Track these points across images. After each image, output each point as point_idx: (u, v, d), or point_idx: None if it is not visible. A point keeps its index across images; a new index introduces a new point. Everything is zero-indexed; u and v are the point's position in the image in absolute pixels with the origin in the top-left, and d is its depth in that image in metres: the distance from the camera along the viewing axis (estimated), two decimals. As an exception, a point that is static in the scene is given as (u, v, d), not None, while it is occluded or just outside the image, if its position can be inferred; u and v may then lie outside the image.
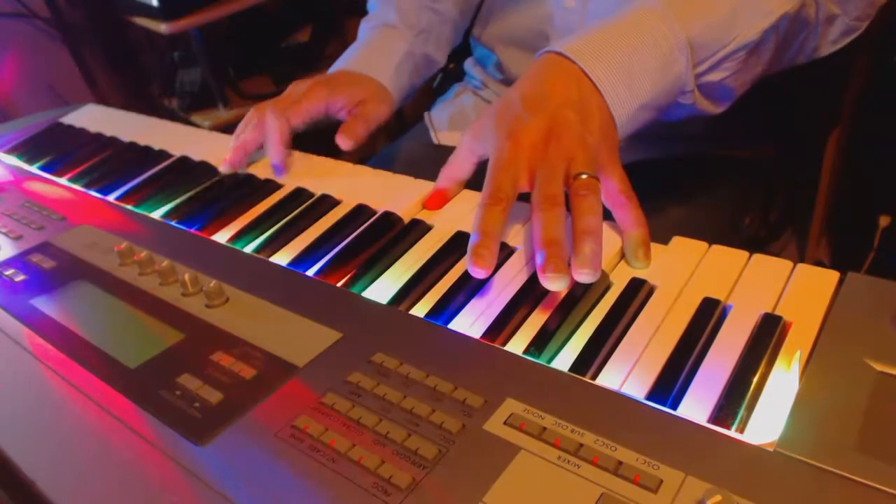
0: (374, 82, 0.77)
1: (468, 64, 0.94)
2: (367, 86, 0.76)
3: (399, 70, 0.79)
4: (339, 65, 0.80)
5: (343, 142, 0.69)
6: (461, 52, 0.95)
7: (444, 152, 0.58)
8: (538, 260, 0.43)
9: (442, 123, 0.90)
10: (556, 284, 0.42)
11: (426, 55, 0.84)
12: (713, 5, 0.51)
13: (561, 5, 0.74)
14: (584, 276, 0.42)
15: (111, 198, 0.67)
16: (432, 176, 0.58)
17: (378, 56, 0.79)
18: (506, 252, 0.49)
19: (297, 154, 0.70)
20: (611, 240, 0.48)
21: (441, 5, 0.85)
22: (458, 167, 0.56)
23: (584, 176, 0.46)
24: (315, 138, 0.76)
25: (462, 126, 0.88)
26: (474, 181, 0.56)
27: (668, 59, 0.51)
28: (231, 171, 0.68)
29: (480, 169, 0.53)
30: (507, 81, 0.86)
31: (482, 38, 0.89)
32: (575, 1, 0.73)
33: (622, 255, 0.47)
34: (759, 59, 0.55)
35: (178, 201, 0.65)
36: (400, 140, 0.95)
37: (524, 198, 0.49)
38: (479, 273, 0.44)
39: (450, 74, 0.99)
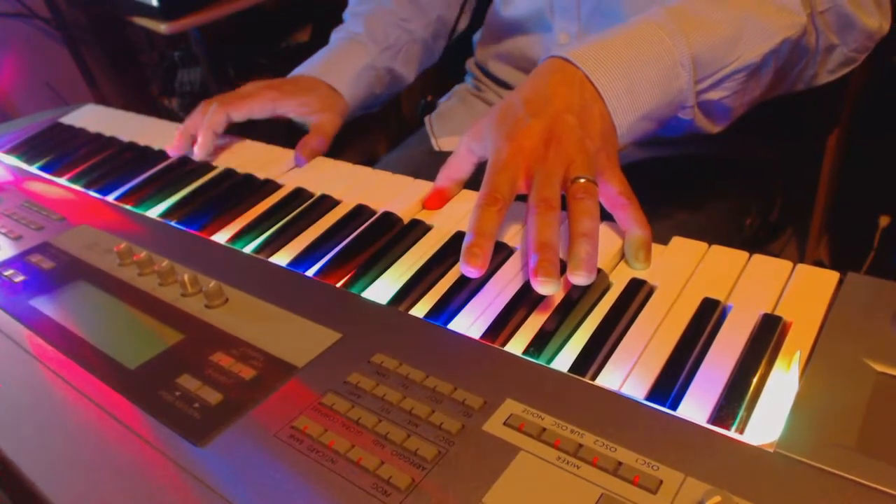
0: (330, 90, 0.78)
1: (469, 64, 0.95)
2: (320, 93, 0.77)
3: (358, 79, 0.81)
4: (301, 69, 0.82)
5: (302, 156, 0.70)
6: (462, 51, 0.95)
7: (445, 159, 0.58)
8: (530, 263, 0.43)
9: (443, 129, 0.90)
10: (546, 288, 0.42)
11: (391, 69, 0.85)
12: (718, 24, 0.52)
13: (554, 41, 0.75)
14: (579, 279, 0.42)
15: (111, 198, 0.67)
16: (433, 181, 0.58)
17: (339, 64, 0.81)
18: (505, 252, 0.49)
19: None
20: (611, 240, 0.48)
21: (411, 24, 0.86)
22: (457, 167, 0.56)
23: (581, 180, 0.46)
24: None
25: (462, 131, 0.89)
26: (474, 181, 0.55)
27: (670, 73, 0.51)
28: (177, 154, 0.72)
29: (480, 169, 0.53)
30: (506, 83, 0.86)
31: (477, 55, 0.90)
32: (568, 38, 0.74)
33: (622, 256, 0.47)
34: (759, 82, 0.56)
35: (177, 201, 0.65)
36: (401, 147, 0.95)
37: (524, 198, 0.49)
38: (471, 272, 0.44)
39: (451, 75, 1.00)
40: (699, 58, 0.51)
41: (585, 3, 0.71)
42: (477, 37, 0.91)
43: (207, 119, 0.71)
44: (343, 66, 0.80)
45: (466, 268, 0.44)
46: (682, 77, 0.52)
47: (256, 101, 0.73)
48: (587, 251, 0.43)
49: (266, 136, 0.77)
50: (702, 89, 0.53)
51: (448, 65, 0.97)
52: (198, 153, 0.71)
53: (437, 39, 0.91)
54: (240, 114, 0.72)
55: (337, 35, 0.86)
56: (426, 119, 0.94)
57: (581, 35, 0.73)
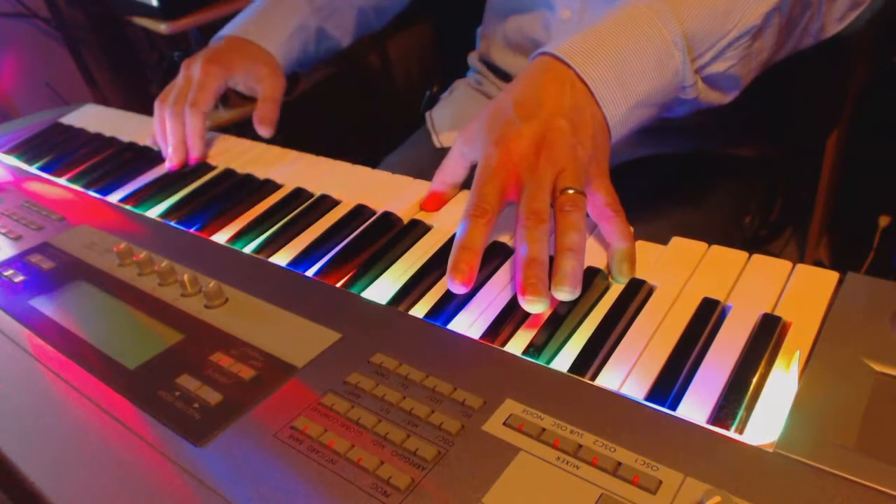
0: (263, 52, 0.79)
1: (472, 58, 0.94)
2: (258, 58, 0.78)
3: (290, 40, 0.81)
4: (229, 29, 0.81)
5: (264, 131, 0.72)
6: (465, 46, 0.95)
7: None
8: (517, 279, 0.42)
9: (443, 124, 0.90)
10: (535, 307, 0.41)
11: (322, 30, 0.85)
12: None
13: (557, 17, 0.74)
14: (563, 294, 0.42)
15: (111, 198, 0.67)
16: None
17: (270, 24, 0.81)
18: (504, 253, 0.49)
19: (296, 154, 0.70)
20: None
21: None
22: (450, 172, 0.56)
23: (570, 191, 0.45)
24: (316, 138, 0.76)
25: (463, 125, 0.89)
26: (471, 182, 0.55)
27: (663, 55, 0.50)
28: (180, 167, 0.72)
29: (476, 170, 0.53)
30: (509, 74, 0.86)
31: (481, 46, 0.90)
32: (571, 12, 0.73)
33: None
34: (764, 43, 0.53)
35: (177, 201, 0.65)
36: (404, 146, 0.95)
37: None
38: (458, 288, 0.43)
39: (453, 70, 1.00)
40: (693, 33, 0.50)
41: None
42: (481, 29, 0.91)
43: (190, 128, 0.71)
44: (274, 26, 0.81)
45: (452, 283, 0.43)
46: (675, 57, 0.50)
47: (213, 85, 0.74)
48: (572, 266, 0.42)
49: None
50: (703, 64, 0.51)
51: (451, 58, 0.97)
52: (194, 160, 0.72)
53: (378, 13, 0.91)
54: (208, 106, 0.73)
55: None
56: (427, 115, 0.94)
57: (583, 10, 0.72)
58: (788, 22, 0.54)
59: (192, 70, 0.75)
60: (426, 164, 0.85)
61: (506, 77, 0.86)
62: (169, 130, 0.72)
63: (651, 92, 0.50)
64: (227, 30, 0.82)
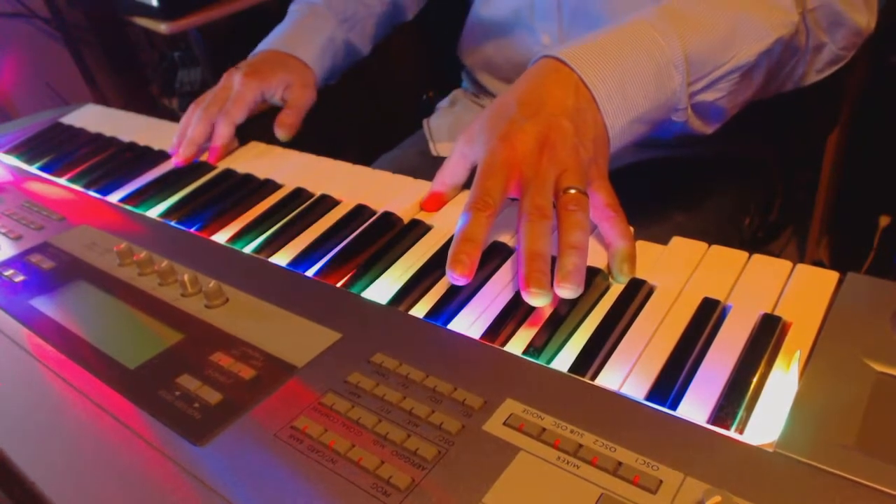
0: (300, 64, 0.80)
1: (464, 74, 0.95)
2: (294, 69, 0.80)
3: (323, 52, 0.83)
4: (266, 44, 0.83)
5: (281, 135, 0.74)
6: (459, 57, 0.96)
7: (441, 164, 0.58)
8: (521, 272, 0.42)
9: (441, 134, 0.90)
10: (538, 300, 0.41)
11: (348, 42, 0.87)
12: (711, 24, 0.51)
13: (538, 41, 0.75)
14: (566, 291, 0.41)
15: (111, 198, 0.67)
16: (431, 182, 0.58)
17: (304, 37, 0.83)
18: (504, 253, 0.49)
19: (296, 154, 0.70)
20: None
21: (368, 0, 0.88)
22: (451, 173, 0.56)
23: (572, 190, 0.45)
24: (314, 137, 0.77)
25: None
26: (471, 183, 0.55)
27: (663, 74, 0.50)
28: (184, 164, 0.73)
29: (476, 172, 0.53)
30: (495, 94, 0.86)
31: (465, 62, 0.91)
32: (550, 38, 0.73)
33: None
34: (752, 82, 0.55)
35: (177, 201, 0.65)
36: (398, 147, 0.95)
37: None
38: (457, 279, 0.43)
39: (450, 76, 1.00)
40: (693, 58, 0.51)
41: (566, 3, 0.71)
42: (463, 47, 0.91)
43: (220, 140, 0.72)
44: (308, 39, 0.82)
45: (452, 275, 0.43)
46: (675, 78, 0.51)
47: (249, 96, 0.74)
48: (576, 263, 0.42)
49: (266, 135, 0.77)
50: (696, 90, 0.52)
51: (448, 64, 0.97)
52: (215, 162, 0.73)
53: (391, 19, 0.93)
54: (242, 116, 0.74)
55: (296, 7, 0.88)
56: (424, 122, 0.94)
57: (563, 36, 0.72)
58: (776, 66, 0.56)
59: (233, 80, 0.76)
60: (419, 166, 0.85)
61: (498, 92, 0.87)
62: (191, 129, 0.73)
63: (648, 108, 0.51)
64: (263, 45, 0.83)
